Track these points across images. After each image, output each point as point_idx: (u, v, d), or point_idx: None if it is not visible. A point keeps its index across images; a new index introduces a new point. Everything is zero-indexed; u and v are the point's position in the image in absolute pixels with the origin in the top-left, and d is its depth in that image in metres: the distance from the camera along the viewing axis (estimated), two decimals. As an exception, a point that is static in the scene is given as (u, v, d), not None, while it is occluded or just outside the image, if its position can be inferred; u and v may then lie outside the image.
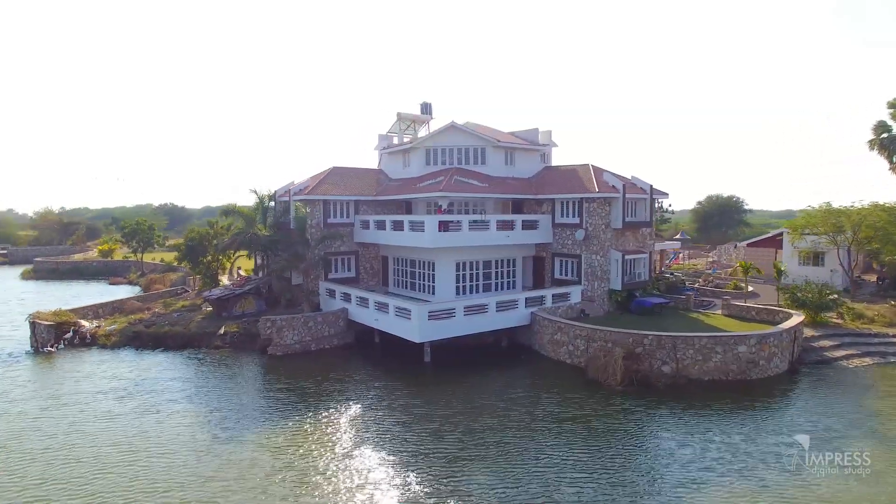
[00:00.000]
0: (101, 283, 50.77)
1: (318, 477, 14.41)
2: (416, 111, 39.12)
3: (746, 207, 75.60)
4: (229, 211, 33.64)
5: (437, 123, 37.77)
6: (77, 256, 62.15)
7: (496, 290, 30.28)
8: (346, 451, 15.90)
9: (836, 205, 35.74)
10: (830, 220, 34.56)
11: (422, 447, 16.07)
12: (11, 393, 21.13)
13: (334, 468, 14.85)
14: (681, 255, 57.02)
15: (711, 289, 36.00)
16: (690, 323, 26.43)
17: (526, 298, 26.79)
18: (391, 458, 15.45)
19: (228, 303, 30.95)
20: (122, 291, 44.37)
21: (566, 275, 30.66)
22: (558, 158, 37.01)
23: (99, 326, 28.40)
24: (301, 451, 15.88)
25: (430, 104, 39.18)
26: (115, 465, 15.12)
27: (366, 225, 31.79)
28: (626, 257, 29.55)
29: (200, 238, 35.45)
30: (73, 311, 29.94)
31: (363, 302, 26.89)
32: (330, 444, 16.35)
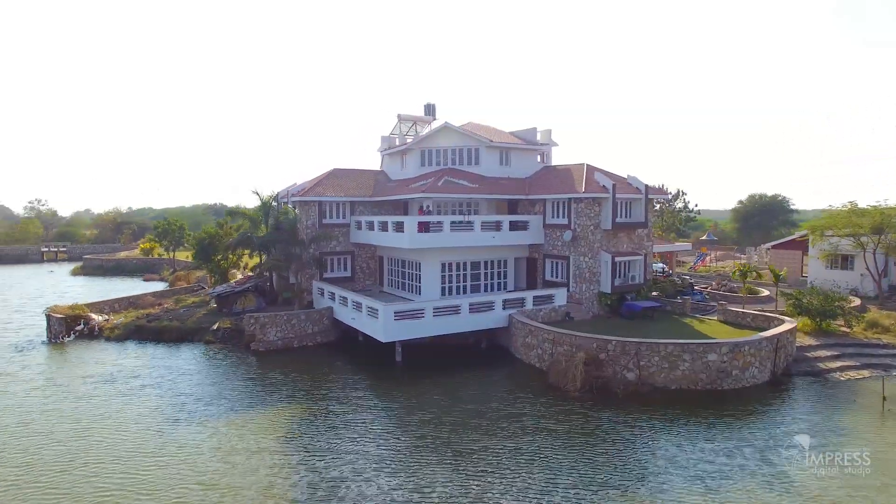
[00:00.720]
0: (137, 279, 54.25)
1: (239, 457, 15.27)
2: (421, 113, 39.49)
3: (793, 207, 71.12)
4: (234, 212, 35.16)
5: (440, 124, 37.93)
6: (122, 254, 66.69)
7: (486, 290, 30.12)
8: (276, 436, 16.67)
9: (861, 205, 33.21)
10: (854, 221, 32.14)
11: (345, 437, 16.59)
12: (13, 375, 23.22)
13: (255, 449, 15.73)
14: (709, 257, 54.49)
15: (724, 293, 34.23)
16: (679, 328, 25.36)
17: (504, 300, 26.52)
18: (312, 444, 16.13)
19: (229, 299, 32.37)
20: (152, 287, 47.11)
21: (557, 277, 30.10)
22: (567, 158, 36.42)
23: (108, 320, 30.47)
24: (234, 434, 16.78)
25: (433, 105, 39.51)
26: (69, 439, 16.66)
27: (359, 225, 32.40)
28: (617, 259, 28.69)
29: (211, 238, 37.26)
30: (90, 305, 32.26)
31: (344, 301, 27.49)
32: (262, 429, 17.18)
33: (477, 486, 13.54)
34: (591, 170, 30.50)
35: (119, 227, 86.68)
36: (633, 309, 27.61)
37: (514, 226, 30.03)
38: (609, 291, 28.43)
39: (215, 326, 28.98)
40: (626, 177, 30.57)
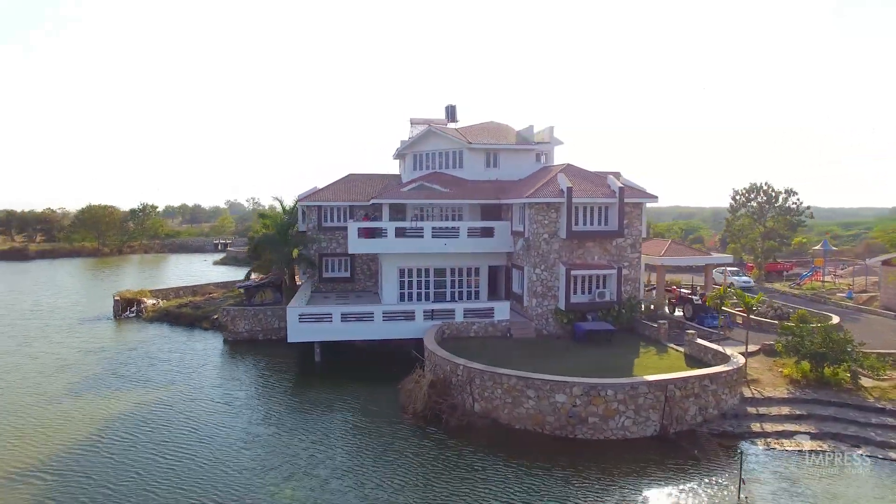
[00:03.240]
0: (249, 269, 63.72)
1: (99, 407, 19.15)
2: (442, 115, 38.99)
3: None
4: (263, 214, 39.38)
5: (462, 125, 37.03)
6: (257, 247, 78.52)
7: (453, 299, 29.02)
8: (142, 398, 20.91)
9: None
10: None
11: (192, 412, 19.66)
12: (72, 332, 31.58)
13: (115, 406, 20.02)
14: (831, 273, 43.11)
15: (760, 318, 27.28)
16: (619, 358, 21.36)
17: (428, 311, 25.39)
18: (159, 407, 19.77)
19: (249, 292, 36.62)
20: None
21: (520, 289, 27.59)
22: (594, 160, 32.71)
23: (155, 304, 37.04)
24: (123, 392, 21.58)
25: (453, 107, 38.55)
26: (51, 375, 23.60)
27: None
28: (575, 273, 25.24)
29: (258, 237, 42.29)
30: (155, 291, 39.51)
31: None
32: (145, 392, 21.63)
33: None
34: (570, 170, 27.19)
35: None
36: (578, 330, 24.09)
37: (475, 232, 28.32)
38: (563, 308, 25.17)
39: (216, 316, 33.25)
40: (625, 180, 26.55)
